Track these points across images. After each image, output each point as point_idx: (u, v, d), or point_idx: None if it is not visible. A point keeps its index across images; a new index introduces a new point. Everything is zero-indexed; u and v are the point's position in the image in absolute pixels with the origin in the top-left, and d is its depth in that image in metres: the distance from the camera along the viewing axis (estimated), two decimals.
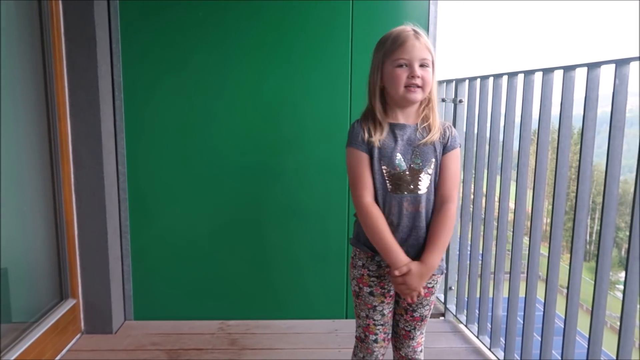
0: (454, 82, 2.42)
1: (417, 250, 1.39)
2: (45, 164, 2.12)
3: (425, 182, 1.37)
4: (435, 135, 1.37)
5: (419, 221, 1.37)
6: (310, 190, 2.42)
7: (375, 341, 1.49)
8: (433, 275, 1.43)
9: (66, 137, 2.18)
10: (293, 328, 2.44)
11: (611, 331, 2.08)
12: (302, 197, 2.44)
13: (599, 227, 1.58)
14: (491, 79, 2.14)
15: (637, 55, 1.41)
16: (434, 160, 1.37)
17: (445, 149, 1.39)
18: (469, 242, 2.40)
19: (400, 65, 1.33)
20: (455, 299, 2.52)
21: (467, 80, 2.35)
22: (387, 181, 1.36)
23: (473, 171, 2.31)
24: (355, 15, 2.32)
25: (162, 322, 2.48)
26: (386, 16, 2.32)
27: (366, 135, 1.37)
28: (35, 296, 2.12)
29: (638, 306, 1.45)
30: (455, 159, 1.40)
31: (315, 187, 2.41)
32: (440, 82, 2.51)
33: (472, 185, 2.31)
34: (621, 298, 1.46)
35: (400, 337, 1.53)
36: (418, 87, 1.33)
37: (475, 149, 2.29)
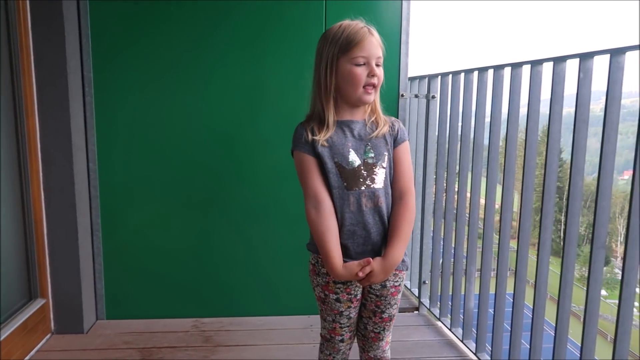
0: (427, 78, 2.45)
1: (380, 245, 1.36)
2: (13, 161, 2.07)
3: (381, 176, 1.35)
4: (384, 128, 1.36)
5: (379, 217, 1.35)
6: (284, 188, 2.42)
7: (342, 341, 1.48)
8: (397, 271, 1.40)
9: (34, 133, 2.14)
10: (268, 324, 2.44)
11: (577, 320, 2.11)
12: (275, 195, 2.43)
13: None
14: (462, 74, 2.17)
15: (602, 49, 1.45)
16: (386, 153, 1.35)
17: (396, 142, 1.38)
18: (442, 237, 2.43)
19: (360, 64, 1.30)
20: (429, 293, 2.55)
21: (439, 77, 2.37)
22: (342, 179, 1.33)
23: (445, 166, 2.34)
24: (329, 14, 2.33)
25: (135, 320, 2.45)
26: (359, 15, 2.32)
27: (310, 135, 1.34)
28: (3, 296, 2.07)
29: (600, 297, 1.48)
30: (406, 151, 1.39)
31: (289, 185, 2.40)
32: (413, 79, 2.53)
33: (445, 181, 2.34)
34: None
35: (369, 340, 1.49)
36: (374, 86, 1.32)
37: (447, 144, 2.31)
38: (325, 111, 1.34)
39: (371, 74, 1.30)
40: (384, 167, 1.35)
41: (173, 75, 2.33)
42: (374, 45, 1.31)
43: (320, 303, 1.46)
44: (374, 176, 1.34)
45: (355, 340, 1.54)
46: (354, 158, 1.33)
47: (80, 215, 2.25)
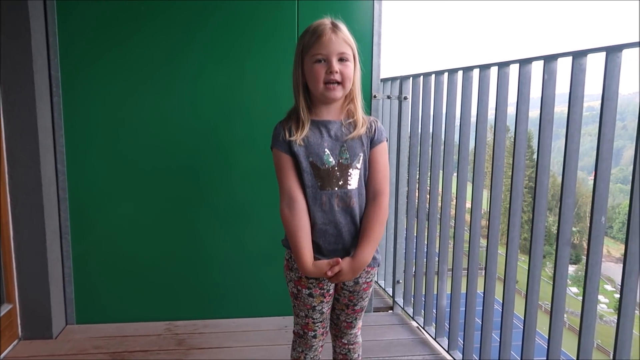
0: (399, 79, 2.47)
1: (351, 244, 1.38)
2: None
3: (355, 178, 1.35)
4: (361, 130, 1.36)
5: (351, 217, 1.36)
6: (257, 189, 2.41)
7: (314, 337, 1.49)
8: (369, 268, 1.42)
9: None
10: (242, 326, 2.42)
11: (545, 314, 2.16)
12: (248, 196, 2.42)
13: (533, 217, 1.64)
14: (433, 76, 2.20)
15: (565, 51, 1.49)
16: (362, 154, 1.35)
17: (373, 142, 1.38)
18: (415, 236, 2.45)
19: (319, 61, 1.30)
20: (403, 292, 2.57)
21: (411, 78, 2.40)
22: (316, 178, 1.34)
23: (417, 167, 2.36)
24: (301, 14, 2.33)
25: (106, 325, 2.41)
26: (331, 15, 2.33)
27: (287, 134, 1.35)
28: None
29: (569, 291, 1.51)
30: (383, 152, 1.40)
31: (261, 185, 2.40)
32: (385, 80, 2.56)
33: (417, 181, 2.37)
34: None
35: (342, 328, 1.54)
36: (337, 83, 1.31)
37: (419, 145, 2.34)
38: (300, 108, 1.36)
39: (329, 70, 1.29)
40: (358, 169, 1.36)
41: (143, 75, 2.30)
42: (333, 41, 1.30)
43: (293, 298, 1.47)
44: (347, 177, 1.35)
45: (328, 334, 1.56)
46: (329, 158, 1.34)
47: (48, 217, 2.20)
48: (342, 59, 1.31)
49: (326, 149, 1.34)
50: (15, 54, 2.06)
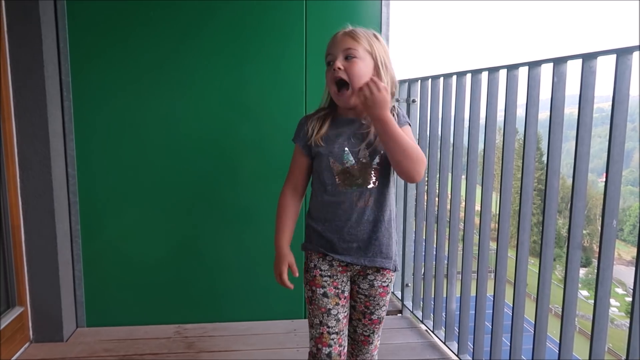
0: (407, 82, 2.47)
1: (365, 245, 1.37)
2: None
3: (374, 176, 1.35)
4: None
5: (368, 215, 1.35)
6: (267, 191, 2.41)
7: (329, 355, 1.38)
8: (385, 271, 1.41)
9: (11, 138, 2.11)
10: (251, 329, 2.43)
11: (555, 317, 2.14)
12: (256, 199, 2.42)
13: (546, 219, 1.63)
14: (442, 78, 2.19)
15: (574, 54, 1.48)
16: (382, 152, 1.33)
17: None
18: (424, 239, 2.45)
19: (328, 63, 1.32)
20: (412, 296, 2.56)
21: (419, 81, 2.40)
22: (336, 176, 1.34)
23: (426, 169, 2.36)
24: (309, 15, 2.34)
25: (116, 328, 2.42)
26: (339, 16, 2.35)
27: (309, 130, 1.37)
28: None
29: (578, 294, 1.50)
30: (407, 133, 1.34)
31: (271, 188, 2.39)
32: None
33: (426, 184, 2.36)
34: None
35: (359, 344, 1.49)
36: (344, 83, 1.29)
37: (428, 148, 2.34)
38: (324, 106, 1.42)
39: (333, 67, 1.30)
40: (377, 167, 1.34)
41: (153, 79, 2.32)
42: (339, 39, 1.31)
43: (308, 305, 1.44)
44: (367, 176, 1.34)
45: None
46: (349, 157, 1.34)
47: (59, 221, 2.22)
48: (348, 56, 1.29)
49: (346, 148, 1.34)
50: (26, 60, 2.08)
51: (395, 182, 1.47)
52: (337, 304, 1.41)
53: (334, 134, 1.36)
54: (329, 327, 1.39)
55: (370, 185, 1.35)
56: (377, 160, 1.35)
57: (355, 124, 1.37)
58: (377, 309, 1.44)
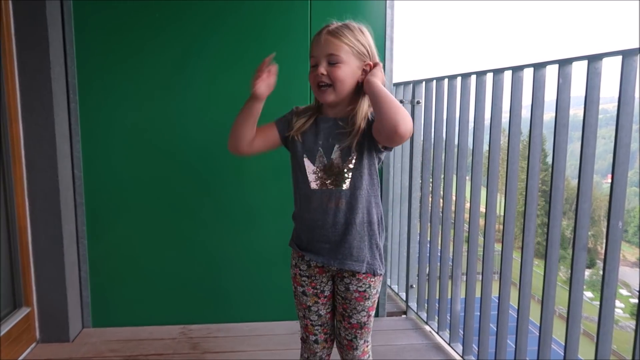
0: (412, 84, 2.47)
1: (336, 246, 1.35)
2: None
3: (346, 178, 1.33)
4: (362, 124, 1.30)
5: (340, 217, 1.33)
6: (269, 193, 2.42)
7: (316, 342, 1.47)
8: (361, 276, 1.37)
9: (18, 140, 2.12)
10: (255, 330, 2.43)
11: (560, 319, 2.15)
12: (260, 201, 2.43)
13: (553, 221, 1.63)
14: (446, 80, 2.19)
15: (579, 55, 1.48)
16: (355, 154, 1.31)
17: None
18: (428, 241, 2.45)
19: (312, 65, 1.33)
20: (416, 297, 2.56)
21: (423, 82, 2.40)
22: (309, 176, 1.34)
23: (431, 171, 2.36)
24: (314, 16, 2.35)
25: (122, 328, 2.43)
26: (344, 17, 2.34)
27: (293, 125, 1.39)
28: None
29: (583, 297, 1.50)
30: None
31: (274, 190, 2.41)
32: (398, 84, 2.56)
33: (430, 186, 2.36)
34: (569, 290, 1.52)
35: (344, 348, 1.47)
36: (328, 85, 1.29)
37: (432, 149, 2.34)
38: (311, 105, 1.43)
39: (316, 72, 1.30)
40: (351, 169, 1.32)
41: (159, 80, 2.33)
42: (321, 44, 1.30)
43: (295, 299, 1.48)
44: (339, 177, 1.33)
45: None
46: (322, 158, 1.34)
47: (65, 222, 2.23)
48: (331, 62, 1.29)
49: (320, 148, 1.34)
50: (33, 62, 2.10)
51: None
52: (317, 302, 1.44)
53: (312, 133, 1.36)
54: (311, 320, 1.46)
55: (344, 187, 1.33)
56: (351, 162, 1.32)
57: (333, 124, 1.35)
58: (355, 314, 1.41)
